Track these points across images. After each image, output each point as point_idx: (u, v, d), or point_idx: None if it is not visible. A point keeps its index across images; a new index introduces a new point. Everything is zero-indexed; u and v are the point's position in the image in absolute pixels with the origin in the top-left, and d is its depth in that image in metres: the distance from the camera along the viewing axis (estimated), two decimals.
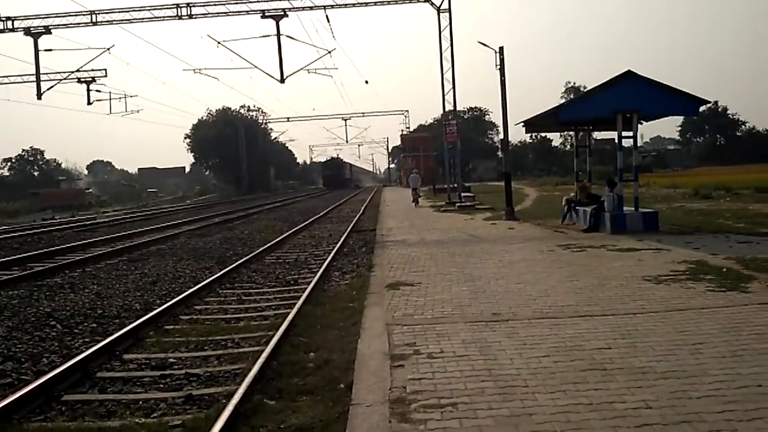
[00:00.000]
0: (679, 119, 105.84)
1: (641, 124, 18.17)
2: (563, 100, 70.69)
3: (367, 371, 5.89)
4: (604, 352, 6.06)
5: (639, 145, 19.45)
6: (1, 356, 7.44)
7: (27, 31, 31.98)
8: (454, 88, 33.42)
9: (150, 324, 8.69)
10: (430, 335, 6.91)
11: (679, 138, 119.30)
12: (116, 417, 5.64)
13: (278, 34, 29.41)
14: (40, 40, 32.47)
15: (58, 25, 32.08)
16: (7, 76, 40.48)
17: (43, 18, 32.00)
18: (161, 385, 6.46)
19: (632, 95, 16.44)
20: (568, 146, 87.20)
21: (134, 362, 7.26)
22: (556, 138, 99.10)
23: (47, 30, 32.13)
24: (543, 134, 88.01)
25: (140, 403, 5.96)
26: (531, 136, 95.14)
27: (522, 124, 21.32)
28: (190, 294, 10.58)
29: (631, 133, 16.99)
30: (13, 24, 31.98)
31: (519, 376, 5.47)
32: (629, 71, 16.78)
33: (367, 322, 7.83)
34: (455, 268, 11.48)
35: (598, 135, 25.20)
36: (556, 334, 6.75)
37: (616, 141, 17.39)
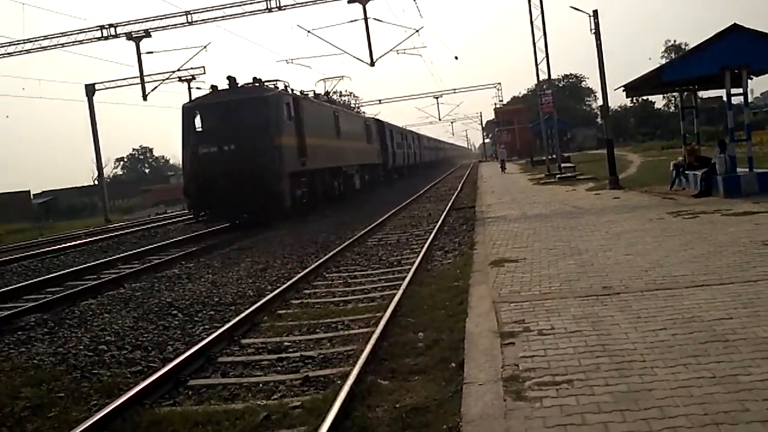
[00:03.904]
0: None
1: (751, 79, 17.12)
2: (664, 60, 67.42)
3: (477, 350, 5.90)
4: (724, 323, 5.80)
5: (750, 101, 18.35)
6: (130, 345, 7.94)
7: (129, 36, 33.55)
8: (547, 56, 32.56)
9: (263, 309, 9.03)
10: (539, 311, 6.84)
11: None
12: (239, 400, 5.93)
13: (365, 18, 29.45)
14: (141, 44, 34.08)
15: (157, 27, 33.45)
16: (114, 80, 42.85)
17: (142, 22, 33.49)
18: (279, 368, 6.73)
19: (740, 49, 15.56)
20: (673, 108, 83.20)
21: (252, 346, 7.59)
22: (658, 100, 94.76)
23: (147, 33, 33.59)
24: (644, 97, 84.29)
25: (260, 385, 6.23)
26: (632, 100, 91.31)
27: (622, 88, 20.53)
28: (299, 279, 10.90)
29: (740, 90, 16.10)
30: (116, 30, 33.62)
31: (635, 350, 5.33)
32: (735, 24, 15.88)
33: (474, 301, 7.83)
34: (560, 242, 11.26)
35: (704, 94, 24.05)
36: (672, 306, 6.52)
37: (725, 99, 16.54)
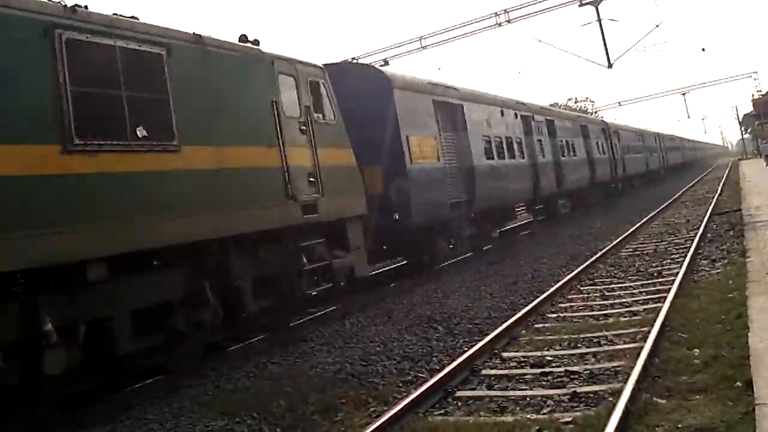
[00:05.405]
0: None
1: None
2: None
3: (766, 368, 5.40)
4: None
5: None
6: (398, 356, 8.42)
7: None
8: None
9: (520, 323, 9.07)
10: None
11: None
12: (507, 412, 5.99)
13: (599, 19, 28.32)
14: None
15: (394, 55, 35.42)
16: None
17: (380, 52, 35.68)
18: (543, 383, 6.69)
19: None
20: None
21: (513, 360, 7.65)
22: None
23: (386, 62, 35.69)
24: None
25: (527, 399, 6.24)
26: None
27: None
28: (552, 292, 10.79)
29: None
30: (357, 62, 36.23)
31: None
32: None
33: (754, 314, 7.15)
34: None
35: None
36: None
37: None
